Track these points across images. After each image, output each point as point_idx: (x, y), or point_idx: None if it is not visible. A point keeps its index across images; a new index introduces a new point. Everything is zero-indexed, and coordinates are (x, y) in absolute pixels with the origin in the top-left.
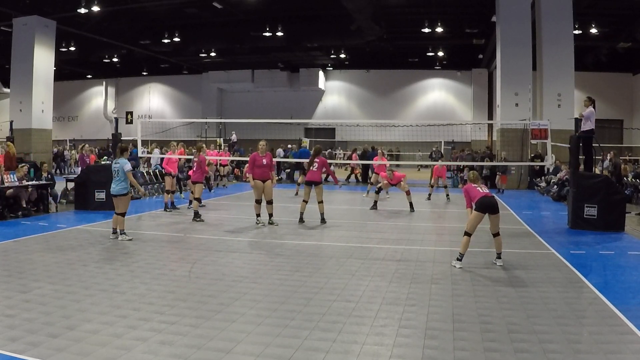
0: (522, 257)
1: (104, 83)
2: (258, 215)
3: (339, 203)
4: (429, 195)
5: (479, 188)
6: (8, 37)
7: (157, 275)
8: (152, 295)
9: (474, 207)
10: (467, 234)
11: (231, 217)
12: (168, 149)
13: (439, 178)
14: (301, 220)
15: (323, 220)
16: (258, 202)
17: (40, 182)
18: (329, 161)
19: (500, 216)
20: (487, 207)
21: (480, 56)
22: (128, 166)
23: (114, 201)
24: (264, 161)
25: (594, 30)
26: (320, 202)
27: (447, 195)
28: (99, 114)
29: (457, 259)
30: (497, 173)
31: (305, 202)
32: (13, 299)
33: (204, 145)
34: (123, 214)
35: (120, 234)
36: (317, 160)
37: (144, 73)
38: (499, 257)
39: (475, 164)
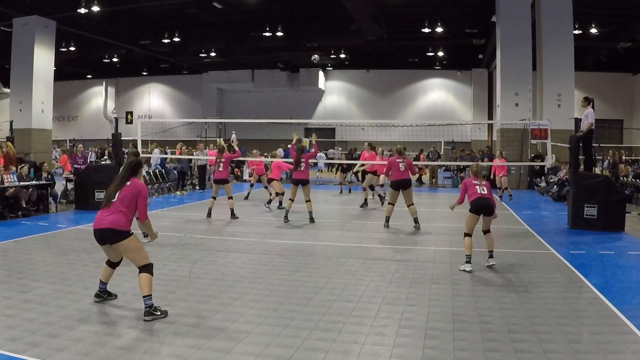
0: (522, 257)
1: (104, 83)
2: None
3: (339, 203)
4: (510, 196)
5: (477, 187)
6: (8, 37)
7: (157, 275)
8: (152, 295)
9: (469, 206)
10: (467, 235)
11: (231, 217)
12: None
13: (500, 178)
14: (286, 218)
15: (311, 219)
16: None
17: (40, 182)
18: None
19: (494, 216)
20: (481, 209)
21: (480, 56)
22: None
23: None
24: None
25: (594, 30)
26: (308, 201)
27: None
28: (99, 114)
29: (467, 262)
30: None
31: (292, 200)
32: (13, 299)
33: (225, 145)
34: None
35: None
36: (303, 159)
37: (144, 73)
38: (491, 256)
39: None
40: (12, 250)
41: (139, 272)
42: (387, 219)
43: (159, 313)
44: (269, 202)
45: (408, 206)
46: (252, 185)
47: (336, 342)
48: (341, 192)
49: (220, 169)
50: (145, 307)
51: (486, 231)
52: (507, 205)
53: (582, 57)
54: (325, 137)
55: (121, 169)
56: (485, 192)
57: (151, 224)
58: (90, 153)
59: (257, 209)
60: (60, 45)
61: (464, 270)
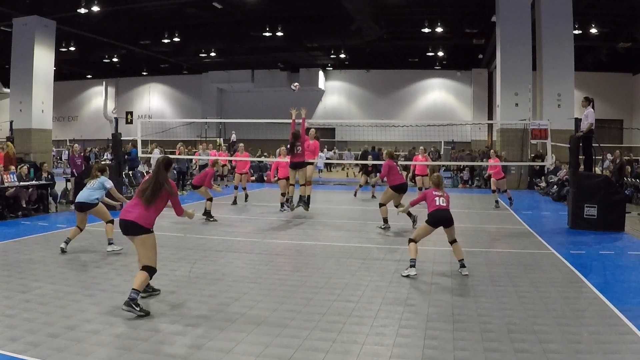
0: (522, 257)
1: (104, 83)
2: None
3: (339, 203)
4: (510, 199)
5: (437, 198)
6: (8, 37)
7: (157, 275)
8: (152, 295)
9: (426, 217)
10: (413, 241)
11: (231, 217)
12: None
13: (497, 181)
14: (284, 206)
15: (306, 204)
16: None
17: (40, 182)
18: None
19: (454, 227)
20: (439, 221)
21: (480, 56)
22: (110, 183)
23: (81, 214)
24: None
25: (594, 30)
26: (303, 184)
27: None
28: (99, 114)
29: (411, 266)
30: None
31: (292, 185)
32: (13, 299)
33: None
34: (112, 221)
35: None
36: (298, 143)
37: (144, 73)
38: (462, 265)
39: (475, 164)
40: (12, 250)
41: (140, 269)
42: (386, 220)
43: (137, 309)
44: (282, 204)
45: (396, 206)
46: (244, 188)
47: (336, 342)
48: (373, 195)
49: (198, 173)
50: (128, 298)
51: (452, 242)
52: (507, 205)
53: (582, 57)
54: (325, 137)
55: (152, 168)
56: (444, 204)
57: (186, 210)
58: (105, 154)
59: (257, 210)
60: (60, 45)
61: (408, 276)
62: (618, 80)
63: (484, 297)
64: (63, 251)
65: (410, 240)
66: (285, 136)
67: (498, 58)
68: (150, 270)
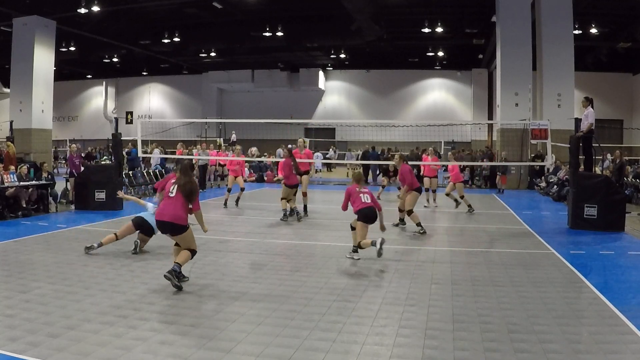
0: (522, 257)
1: (104, 83)
2: None
3: (339, 203)
4: (434, 200)
5: (362, 195)
6: (8, 37)
7: (157, 275)
8: (152, 295)
9: (356, 215)
10: (361, 247)
11: (231, 217)
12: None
13: (430, 179)
14: (285, 217)
15: (298, 215)
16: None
17: (40, 182)
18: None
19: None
20: (369, 218)
21: (480, 56)
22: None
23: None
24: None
25: (594, 30)
26: (289, 200)
27: (435, 200)
28: (99, 114)
29: (354, 251)
30: (497, 173)
31: (287, 200)
32: (13, 299)
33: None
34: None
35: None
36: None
37: (144, 73)
38: (355, 250)
39: (475, 164)
40: (12, 250)
41: (185, 249)
42: (419, 224)
43: (176, 280)
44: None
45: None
46: (229, 190)
47: (336, 342)
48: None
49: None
50: (171, 269)
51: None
52: (507, 205)
53: (582, 57)
54: (325, 137)
55: (178, 170)
56: (369, 200)
57: (203, 217)
58: (108, 154)
59: (256, 210)
60: (60, 45)
61: (352, 258)
62: (618, 80)
63: (484, 297)
64: (87, 249)
65: (360, 247)
66: (284, 136)
67: (498, 58)
68: (193, 252)
